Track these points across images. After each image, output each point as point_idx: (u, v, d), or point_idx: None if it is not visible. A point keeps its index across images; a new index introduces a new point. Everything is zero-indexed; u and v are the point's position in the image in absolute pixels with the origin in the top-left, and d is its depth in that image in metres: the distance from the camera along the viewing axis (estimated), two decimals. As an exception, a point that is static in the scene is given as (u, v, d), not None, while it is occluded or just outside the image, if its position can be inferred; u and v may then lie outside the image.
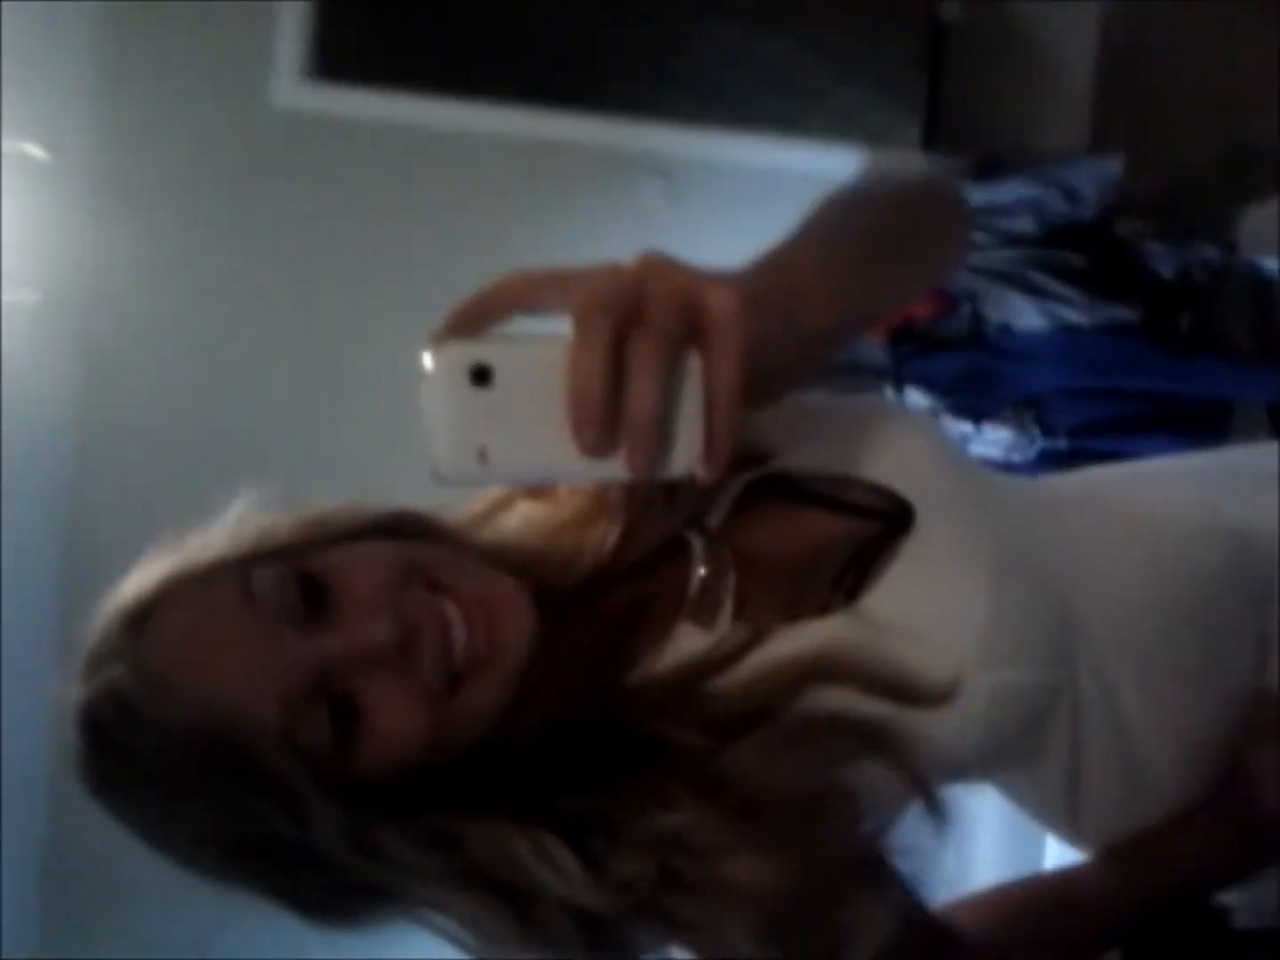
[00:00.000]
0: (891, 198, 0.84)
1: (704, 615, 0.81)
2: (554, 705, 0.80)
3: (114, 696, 0.73)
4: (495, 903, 0.72)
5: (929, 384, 2.56)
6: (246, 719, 0.71)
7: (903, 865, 0.82)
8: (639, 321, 0.56)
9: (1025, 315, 2.45)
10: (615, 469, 0.57)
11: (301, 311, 3.03)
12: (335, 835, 0.71)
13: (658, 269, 0.58)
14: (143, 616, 0.76)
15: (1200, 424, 2.36)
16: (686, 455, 0.58)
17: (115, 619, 0.77)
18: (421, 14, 2.98)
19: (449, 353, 0.57)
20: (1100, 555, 0.94)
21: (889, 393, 2.65)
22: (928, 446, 0.89)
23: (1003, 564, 0.83)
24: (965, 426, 2.49)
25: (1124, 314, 2.38)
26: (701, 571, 0.81)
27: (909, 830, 0.80)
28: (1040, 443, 2.43)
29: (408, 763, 0.74)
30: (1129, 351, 2.38)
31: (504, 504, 0.89)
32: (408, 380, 0.61)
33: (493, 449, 0.57)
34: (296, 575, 0.75)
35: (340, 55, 2.98)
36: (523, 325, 0.61)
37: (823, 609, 0.81)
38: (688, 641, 0.81)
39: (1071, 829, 0.99)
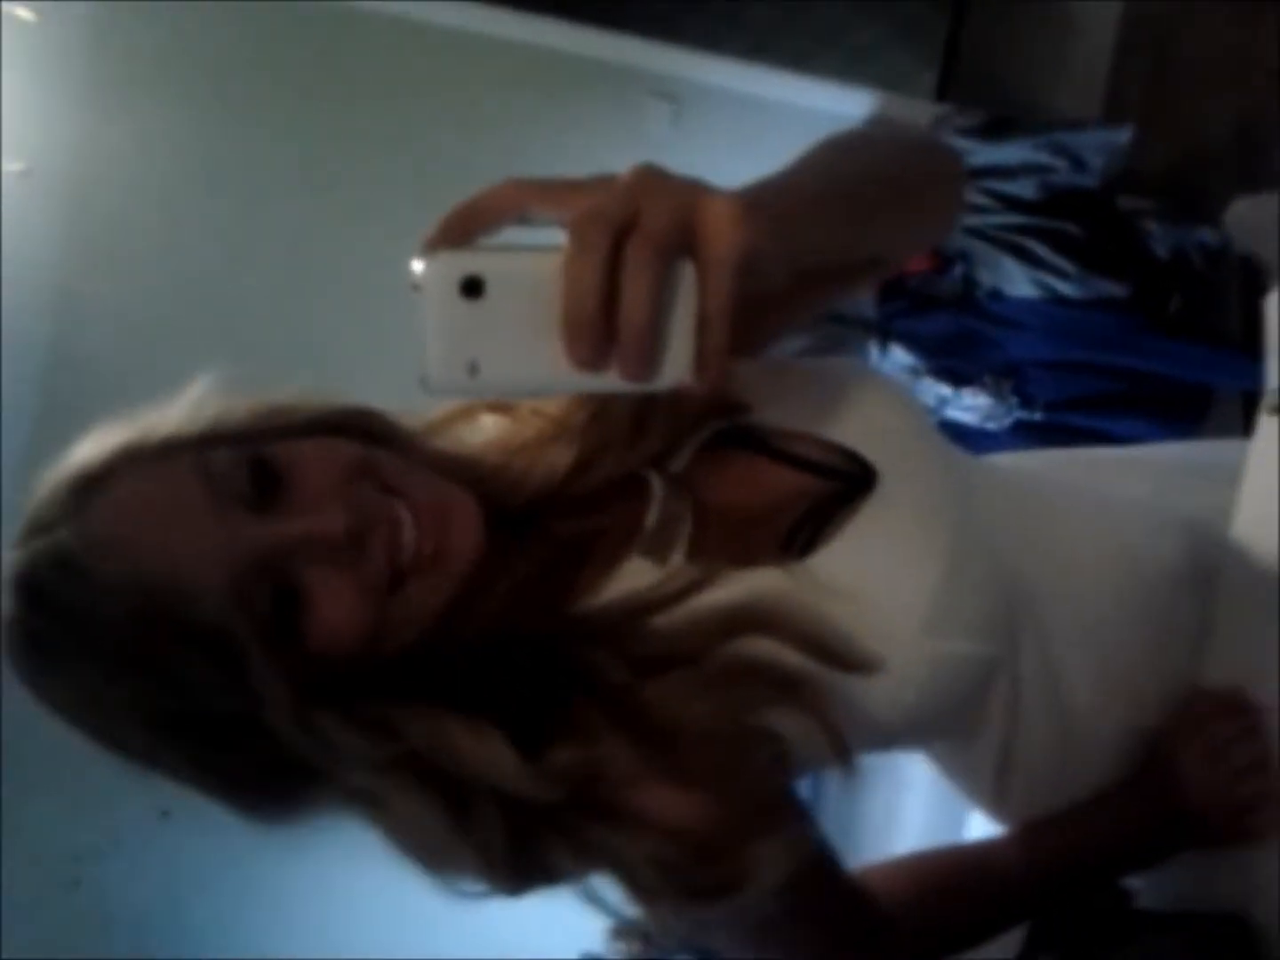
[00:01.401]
0: (890, 148, 0.84)
1: (657, 551, 0.81)
2: (496, 619, 0.80)
3: (57, 557, 0.72)
4: (428, 795, 0.72)
5: (914, 342, 2.55)
6: (193, 585, 0.70)
7: (816, 817, 0.84)
8: (633, 233, 0.55)
9: (1017, 282, 2.43)
10: (608, 381, 0.57)
11: (293, 200, 2.97)
12: (276, 704, 0.70)
13: (654, 180, 0.57)
14: (91, 484, 0.75)
15: (1177, 408, 2.36)
16: (678, 367, 0.57)
17: (63, 485, 0.76)
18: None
19: (439, 263, 0.56)
20: (1055, 540, 0.95)
21: (873, 346, 2.64)
22: (899, 414, 0.89)
23: (960, 536, 0.84)
24: (944, 389, 2.48)
25: (1115, 289, 2.37)
26: (658, 508, 0.82)
27: (831, 784, 0.81)
28: (1016, 412, 2.42)
29: (348, 652, 0.74)
30: (1115, 328, 2.37)
31: (465, 415, 0.89)
32: (397, 280, 0.59)
33: (483, 361, 0.57)
34: (251, 460, 0.74)
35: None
36: (515, 234, 0.59)
37: (773, 560, 0.81)
38: (638, 577, 0.81)
39: (996, 804, 1.01)
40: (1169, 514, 1.03)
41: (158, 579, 0.70)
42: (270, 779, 0.76)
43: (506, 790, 0.73)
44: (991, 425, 2.43)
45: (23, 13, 2.23)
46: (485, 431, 0.89)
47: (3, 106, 2.36)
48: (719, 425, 0.87)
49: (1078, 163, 2.43)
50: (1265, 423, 1.00)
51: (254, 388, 0.84)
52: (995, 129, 2.54)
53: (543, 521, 0.84)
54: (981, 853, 1.00)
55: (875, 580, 0.81)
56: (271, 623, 0.71)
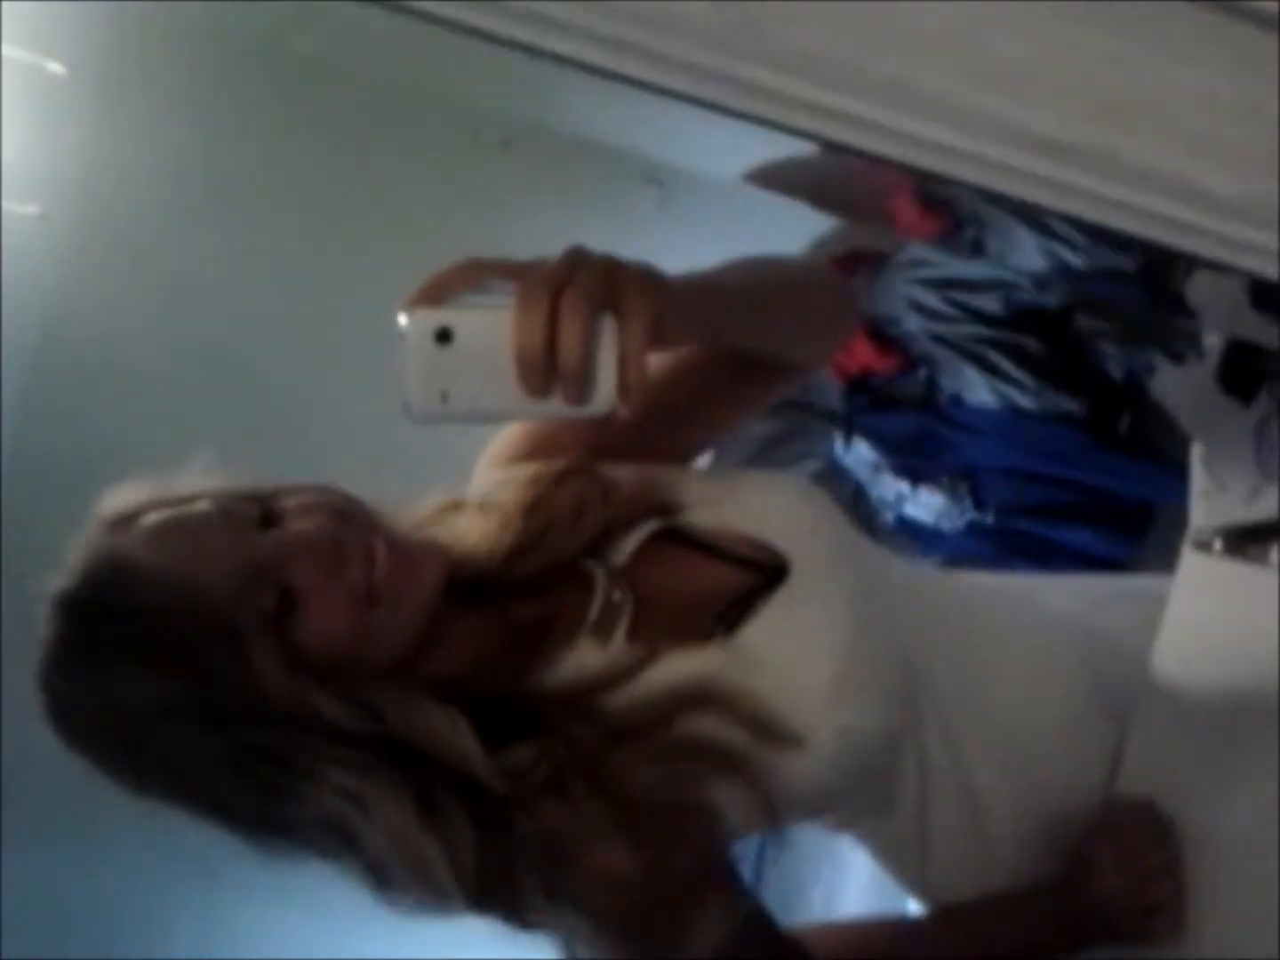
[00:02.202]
0: (797, 269, 1.03)
1: (601, 635, 0.93)
2: (460, 676, 0.92)
3: (109, 558, 0.86)
4: (400, 789, 0.83)
5: (877, 437, 2.66)
6: (209, 585, 0.83)
7: (752, 883, 0.92)
8: (566, 290, 0.71)
9: (977, 390, 2.55)
10: (553, 407, 0.73)
11: (287, 253, 3.05)
12: (272, 676, 0.82)
13: (583, 254, 0.74)
14: (125, 518, 0.88)
15: (1123, 522, 2.47)
16: (607, 397, 0.73)
17: (98, 522, 0.89)
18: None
19: (418, 317, 0.72)
20: (964, 632, 1.06)
21: (837, 439, 2.74)
22: (814, 515, 1.02)
23: (859, 618, 0.95)
24: (903, 485, 2.58)
25: (1070, 405, 2.49)
26: (601, 597, 0.94)
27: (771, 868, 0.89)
28: (970, 514, 2.53)
29: (336, 647, 0.85)
30: (1069, 442, 2.49)
31: (436, 518, 1.01)
32: (381, 324, 0.74)
33: (453, 392, 0.72)
34: (258, 497, 0.90)
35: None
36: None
37: (704, 638, 0.93)
38: (585, 656, 0.92)
39: (919, 885, 1.09)
40: (1091, 629, 1.12)
41: (184, 579, 0.83)
42: (267, 777, 0.84)
43: (468, 774, 0.84)
44: (945, 524, 2.53)
45: (54, 67, 2.34)
46: (453, 529, 1.00)
47: (22, 151, 2.45)
48: (656, 524, 0.98)
49: (1039, 282, 2.55)
50: (1188, 557, 1.09)
51: (246, 464, 0.95)
52: (965, 244, 2.66)
53: (500, 602, 0.96)
54: (905, 930, 1.09)
55: (787, 660, 0.92)
56: (272, 615, 0.84)
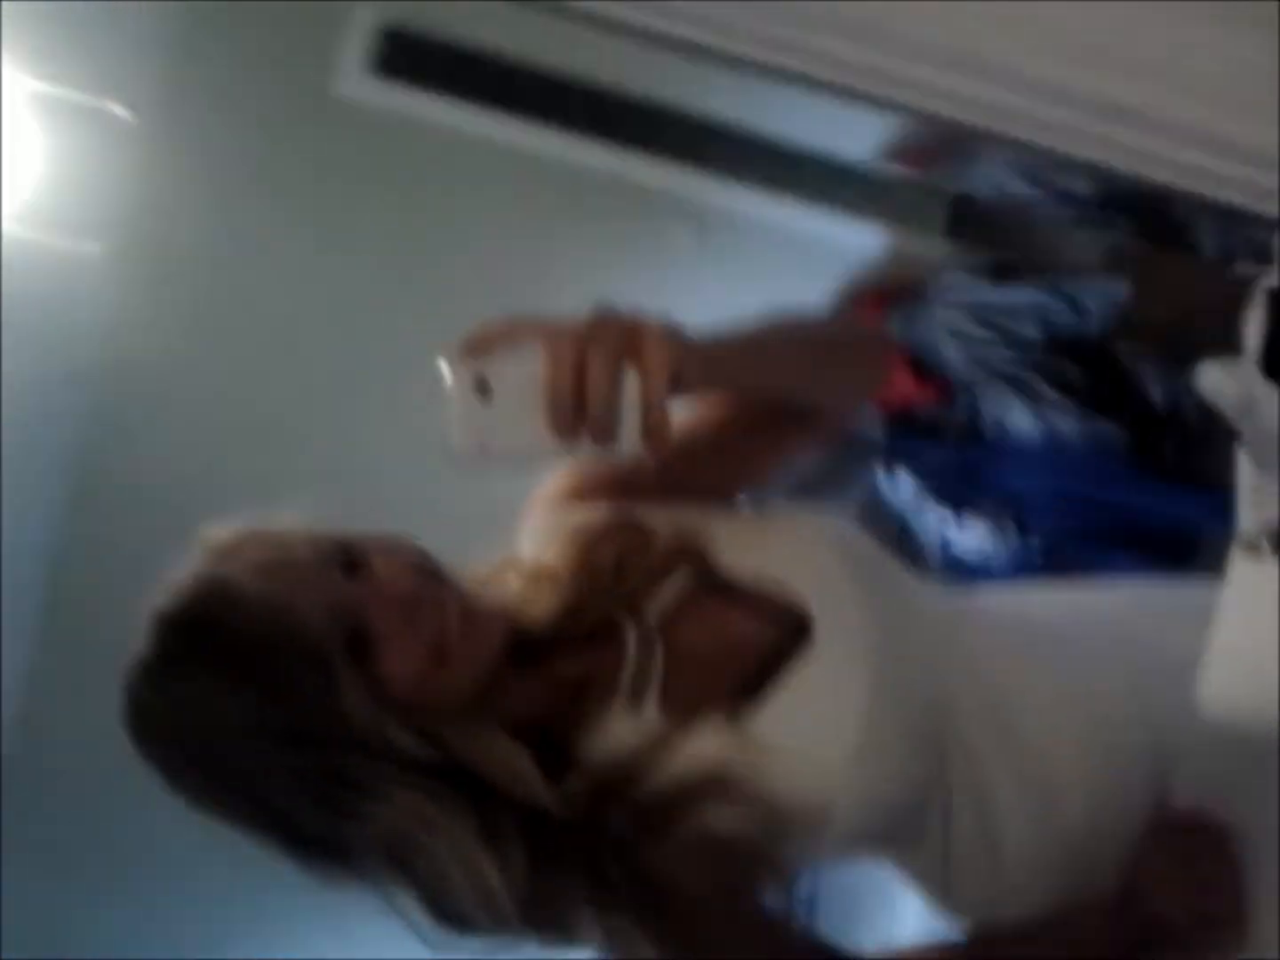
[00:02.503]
0: (826, 322, 1.13)
1: (633, 700, 0.98)
2: (522, 723, 0.97)
3: (213, 584, 0.93)
4: (461, 806, 0.90)
5: (919, 467, 2.67)
6: (305, 615, 0.91)
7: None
8: (592, 345, 0.78)
9: (1019, 417, 2.56)
10: (583, 448, 0.80)
11: (329, 293, 3.12)
12: (353, 699, 0.90)
13: (608, 310, 0.81)
14: (226, 551, 0.96)
15: (1167, 549, 2.46)
16: (632, 441, 0.80)
17: (199, 555, 0.97)
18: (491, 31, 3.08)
19: (460, 370, 0.80)
20: (1005, 673, 1.07)
21: (880, 471, 2.75)
22: (840, 562, 1.04)
23: (881, 677, 0.98)
24: (946, 514, 2.59)
25: (1112, 432, 2.49)
26: (633, 660, 0.99)
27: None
28: (1015, 541, 2.53)
29: (407, 691, 0.92)
30: (1113, 469, 2.49)
31: (493, 578, 1.07)
32: (424, 374, 0.80)
33: (493, 438, 0.80)
34: (345, 543, 0.97)
35: (406, 56, 3.07)
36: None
37: (729, 709, 0.97)
38: (618, 726, 0.98)
39: (949, 905, 1.11)
40: (1138, 640, 1.13)
41: (284, 608, 0.91)
42: (338, 797, 0.91)
43: (529, 803, 0.91)
44: (990, 552, 2.53)
45: (118, 110, 2.43)
46: (511, 592, 1.07)
47: (85, 191, 2.54)
48: (689, 577, 1.03)
49: (1078, 308, 2.56)
50: (1236, 560, 1.09)
51: (331, 510, 1.03)
52: (1002, 272, 2.68)
53: (549, 659, 1.02)
54: (958, 951, 1.10)
55: (810, 722, 0.97)
56: (353, 650, 0.92)
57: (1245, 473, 1.03)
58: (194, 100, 2.94)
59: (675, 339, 0.81)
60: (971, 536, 2.56)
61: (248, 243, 3.02)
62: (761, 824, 0.94)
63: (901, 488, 2.69)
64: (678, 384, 0.81)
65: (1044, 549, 2.51)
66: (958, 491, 2.59)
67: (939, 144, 2.92)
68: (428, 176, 3.14)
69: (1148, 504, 2.46)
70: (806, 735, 0.97)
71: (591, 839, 0.93)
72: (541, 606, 1.03)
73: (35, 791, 2.87)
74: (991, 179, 2.70)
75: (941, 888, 1.09)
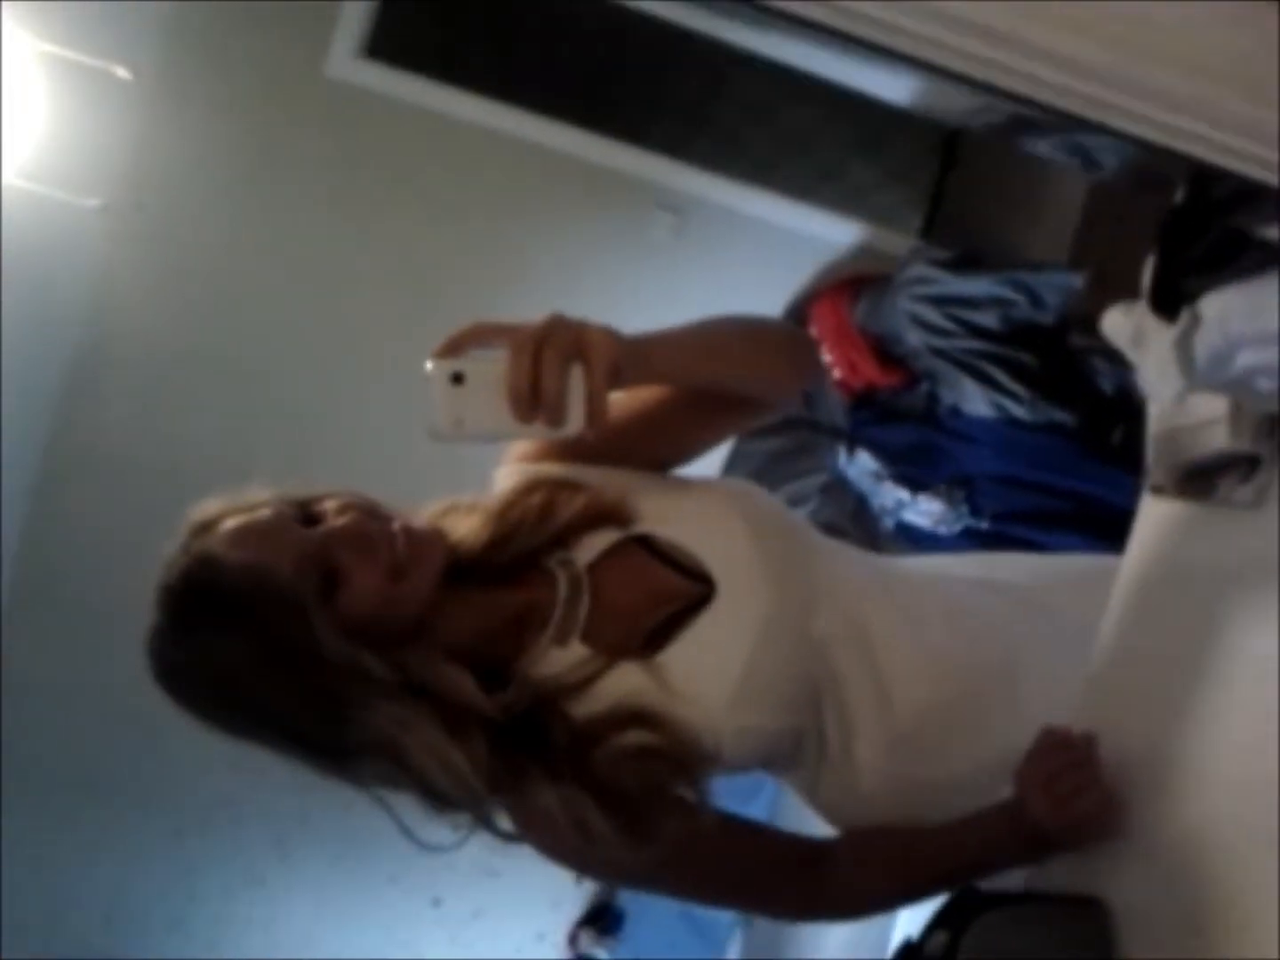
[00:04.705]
0: (755, 322, 1.26)
1: (560, 634, 1.17)
2: (466, 644, 1.16)
3: (201, 556, 1.13)
4: (428, 710, 1.09)
5: (879, 449, 2.77)
6: (276, 569, 1.10)
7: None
8: (545, 346, 0.96)
9: (975, 402, 2.67)
10: (538, 429, 0.98)
11: (317, 254, 3.19)
12: (327, 635, 1.09)
13: (559, 319, 0.99)
14: (208, 524, 1.16)
15: (1113, 531, 2.56)
16: (577, 422, 0.98)
17: (188, 529, 1.16)
18: (480, 18, 3.17)
19: (439, 365, 0.97)
20: (881, 621, 1.25)
21: (842, 451, 2.86)
22: (746, 532, 1.22)
23: (767, 635, 1.18)
24: (903, 493, 2.70)
25: (1063, 417, 2.60)
26: (563, 599, 1.18)
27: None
28: (966, 520, 2.64)
29: (373, 610, 1.11)
30: (1062, 453, 2.60)
31: (441, 515, 1.25)
32: (407, 356, 0.95)
33: (465, 420, 0.97)
34: (304, 505, 1.17)
35: (397, 40, 3.16)
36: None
37: (637, 653, 1.17)
38: (551, 654, 1.17)
39: (814, 810, 1.33)
40: (1036, 602, 1.33)
41: (257, 568, 1.10)
42: (331, 709, 1.10)
43: (474, 710, 1.10)
44: (942, 529, 2.64)
45: (120, 72, 2.53)
46: (449, 524, 1.25)
47: (88, 149, 2.63)
48: (619, 531, 1.21)
49: (1036, 300, 2.68)
50: (1144, 502, 1.20)
51: (292, 476, 1.21)
52: (964, 263, 2.79)
53: (488, 589, 1.20)
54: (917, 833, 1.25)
55: (701, 670, 1.17)
56: (322, 590, 1.10)
57: (1153, 419, 1.13)
58: (193, 64, 3.03)
59: (615, 341, 0.99)
60: (925, 515, 2.67)
61: (240, 203, 3.11)
62: (670, 746, 1.13)
63: (860, 468, 2.79)
64: (618, 377, 0.99)
65: (993, 528, 2.62)
66: (914, 472, 2.70)
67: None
68: (411, 156, 3.21)
69: (1095, 488, 2.57)
70: (699, 681, 1.16)
71: (538, 736, 1.12)
72: (474, 535, 1.21)
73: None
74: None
75: (810, 795, 1.30)
